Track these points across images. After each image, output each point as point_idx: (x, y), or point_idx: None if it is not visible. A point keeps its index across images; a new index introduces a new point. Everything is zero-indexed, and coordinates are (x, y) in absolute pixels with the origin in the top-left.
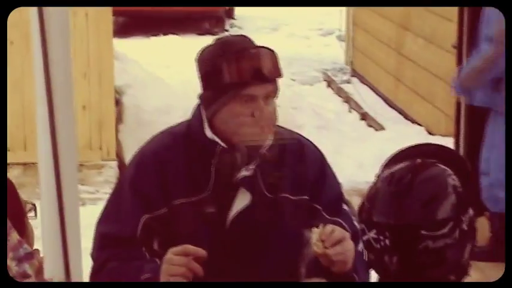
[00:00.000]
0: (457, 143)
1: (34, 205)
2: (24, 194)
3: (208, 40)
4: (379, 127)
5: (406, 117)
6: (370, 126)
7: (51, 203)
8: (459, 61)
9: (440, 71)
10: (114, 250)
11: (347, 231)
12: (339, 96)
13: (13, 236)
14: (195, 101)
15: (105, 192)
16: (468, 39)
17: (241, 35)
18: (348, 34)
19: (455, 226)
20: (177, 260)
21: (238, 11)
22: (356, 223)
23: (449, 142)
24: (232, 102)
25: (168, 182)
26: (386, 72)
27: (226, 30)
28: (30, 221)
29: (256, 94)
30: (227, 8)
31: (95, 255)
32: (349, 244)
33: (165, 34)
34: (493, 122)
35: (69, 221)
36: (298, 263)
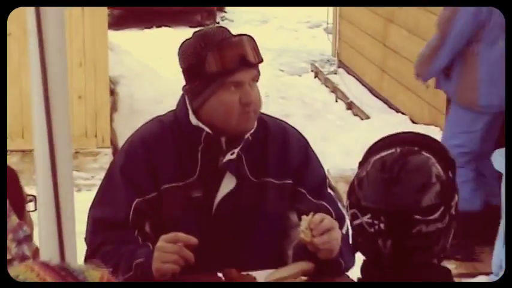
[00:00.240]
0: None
1: (34, 197)
2: (22, 180)
3: None
4: (364, 116)
5: (391, 106)
6: (356, 115)
7: (47, 189)
8: None
9: None
10: (107, 234)
11: (332, 214)
12: (326, 86)
13: (13, 219)
14: None
15: (99, 179)
16: None
17: (218, 26)
18: (335, 27)
19: (445, 211)
20: (169, 248)
21: None
22: (341, 207)
23: (432, 130)
24: (220, 90)
25: (156, 167)
26: (371, 63)
27: (217, 23)
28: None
29: (243, 80)
30: None
31: (89, 240)
32: (337, 233)
33: (158, 26)
34: (450, 110)
35: (64, 206)
36: (285, 246)
